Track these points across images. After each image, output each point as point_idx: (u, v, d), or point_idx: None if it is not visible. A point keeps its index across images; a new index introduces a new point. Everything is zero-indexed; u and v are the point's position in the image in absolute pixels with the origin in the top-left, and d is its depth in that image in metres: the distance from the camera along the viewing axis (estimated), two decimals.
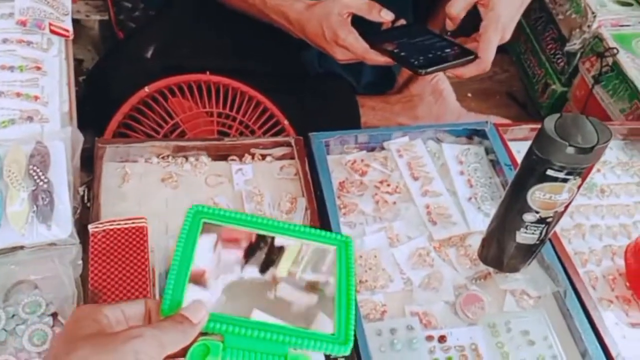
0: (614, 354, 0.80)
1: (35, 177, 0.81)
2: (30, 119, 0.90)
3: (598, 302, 0.88)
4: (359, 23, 1.03)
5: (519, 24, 1.57)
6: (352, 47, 1.01)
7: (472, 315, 0.84)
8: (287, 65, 1.28)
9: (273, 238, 0.68)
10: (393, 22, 1.07)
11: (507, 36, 1.02)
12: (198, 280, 0.62)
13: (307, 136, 1.00)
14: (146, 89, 1.08)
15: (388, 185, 0.98)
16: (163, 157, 0.96)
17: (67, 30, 1.02)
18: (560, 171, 0.71)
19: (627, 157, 1.11)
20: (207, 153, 0.98)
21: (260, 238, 0.68)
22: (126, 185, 0.92)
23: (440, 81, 1.34)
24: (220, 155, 0.99)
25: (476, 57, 0.99)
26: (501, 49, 1.04)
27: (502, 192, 0.97)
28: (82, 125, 0.96)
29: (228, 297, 0.62)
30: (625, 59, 1.28)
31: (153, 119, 1.11)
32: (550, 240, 0.90)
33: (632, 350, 0.83)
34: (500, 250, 0.84)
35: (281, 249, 0.68)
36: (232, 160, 0.99)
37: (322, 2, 1.03)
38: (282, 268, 0.66)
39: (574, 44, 1.40)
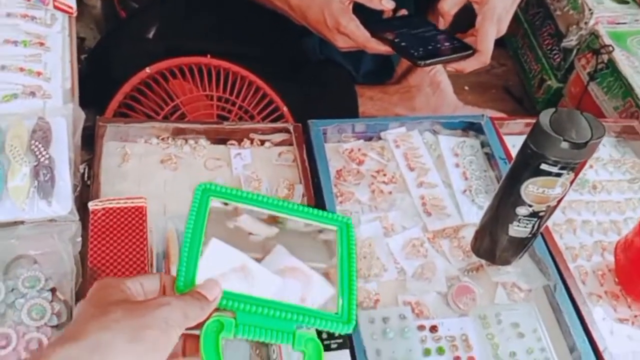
0: (601, 348, 0.82)
1: (37, 153, 0.81)
2: (32, 94, 0.90)
3: (587, 297, 0.89)
4: (360, 11, 1.03)
5: (517, 18, 1.59)
6: (353, 34, 1.01)
7: (463, 306, 0.86)
8: (287, 51, 1.29)
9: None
10: (394, 11, 1.08)
11: (504, 29, 1.03)
12: None
13: (306, 123, 1.01)
14: (147, 69, 1.08)
15: (384, 175, 0.99)
16: (163, 139, 0.97)
17: (71, 7, 1.02)
18: (554, 165, 0.72)
19: (619, 155, 1.13)
20: (206, 136, 0.99)
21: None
22: (126, 165, 0.93)
23: (438, 73, 1.35)
24: (220, 139, 1.00)
25: (474, 51, 1.01)
26: (499, 43, 1.05)
27: (496, 185, 0.98)
28: (83, 104, 0.96)
29: None
30: (620, 57, 1.29)
31: (153, 100, 1.11)
32: (542, 234, 0.92)
33: (618, 346, 0.85)
34: (492, 243, 0.85)
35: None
36: (231, 144, 1.00)
37: None
38: None
39: (571, 40, 1.42)
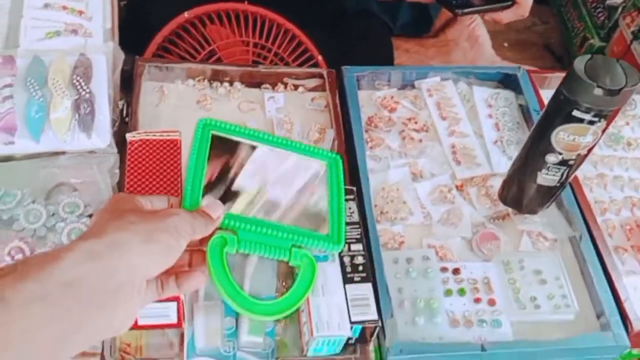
0: (623, 298, 0.83)
1: (78, 87, 0.84)
2: (74, 32, 0.93)
3: (613, 250, 0.89)
4: None
5: None
6: None
7: (487, 251, 0.87)
8: (325, 1, 1.29)
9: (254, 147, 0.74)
10: None
11: None
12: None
13: (340, 70, 1.02)
14: (185, 14, 1.10)
15: (416, 122, 1.00)
16: (199, 80, 0.99)
17: None
18: (587, 112, 0.72)
19: None
20: (241, 80, 1.01)
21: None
22: (163, 105, 0.95)
23: (477, 27, 1.34)
24: (254, 83, 1.02)
25: (514, 3, 1.00)
26: (542, 0, 1.04)
27: None
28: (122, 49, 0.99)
29: None
30: None
31: (191, 44, 1.13)
32: (571, 186, 0.91)
33: None
34: (520, 191, 0.86)
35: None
36: (265, 88, 1.01)
37: None
38: None
39: None
